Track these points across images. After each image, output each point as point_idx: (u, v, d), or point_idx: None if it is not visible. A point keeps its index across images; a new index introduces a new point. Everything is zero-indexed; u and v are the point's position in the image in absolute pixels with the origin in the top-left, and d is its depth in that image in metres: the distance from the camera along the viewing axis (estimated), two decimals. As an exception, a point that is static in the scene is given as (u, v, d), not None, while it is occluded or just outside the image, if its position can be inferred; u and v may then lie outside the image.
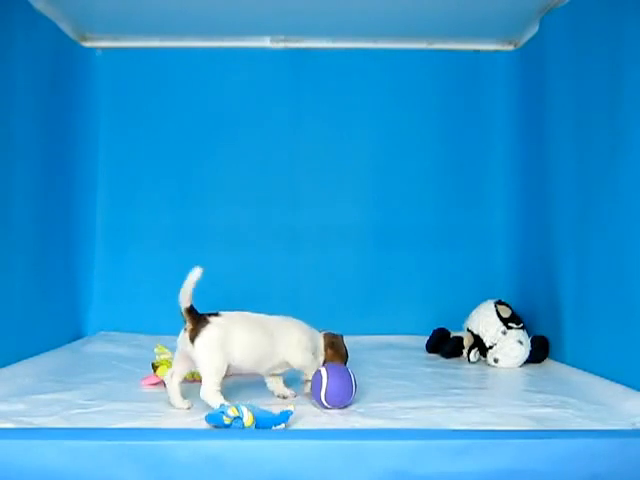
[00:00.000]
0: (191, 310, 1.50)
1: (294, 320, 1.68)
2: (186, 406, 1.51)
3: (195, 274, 1.48)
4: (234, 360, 1.52)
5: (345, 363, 1.70)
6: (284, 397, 1.64)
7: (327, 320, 2.49)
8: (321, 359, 1.70)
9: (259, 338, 1.57)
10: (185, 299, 1.49)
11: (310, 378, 1.61)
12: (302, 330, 1.66)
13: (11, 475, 1.15)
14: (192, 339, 1.47)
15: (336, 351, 1.71)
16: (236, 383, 1.83)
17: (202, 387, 1.46)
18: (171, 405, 1.53)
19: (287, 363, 1.63)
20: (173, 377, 1.52)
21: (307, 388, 1.64)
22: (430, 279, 2.59)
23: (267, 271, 2.58)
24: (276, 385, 1.66)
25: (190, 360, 1.50)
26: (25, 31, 2.01)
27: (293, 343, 1.62)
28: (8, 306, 1.90)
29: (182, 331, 1.51)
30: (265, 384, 1.68)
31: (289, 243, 2.60)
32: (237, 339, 1.52)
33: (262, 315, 1.63)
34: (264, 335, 1.58)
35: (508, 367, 2.06)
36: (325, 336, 1.72)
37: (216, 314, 1.53)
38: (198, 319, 1.50)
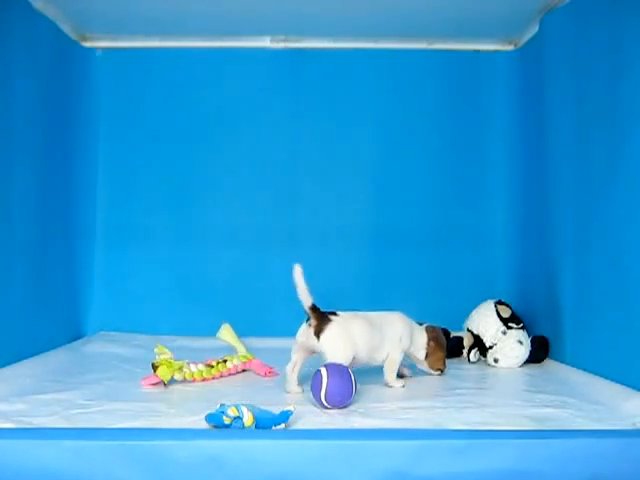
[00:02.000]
0: (315, 308, 1.67)
1: (399, 315, 1.84)
2: (300, 390, 1.68)
3: (298, 273, 1.64)
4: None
5: (445, 355, 1.90)
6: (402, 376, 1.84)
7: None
8: (423, 352, 1.88)
9: (371, 334, 1.73)
10: (305, 298, 1.65)
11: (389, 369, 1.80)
12: (404, 325, 1.82)
13: (11, 475, 1.15)
14: (317, 334, 1.65)
15: (437, 343, 1.89)
16: (237, 383, 1.83)
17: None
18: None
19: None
20: (295, 367, 1.69)
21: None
22: (430, 279, 2.59)
23: (267, 271, 2.58)
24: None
25: (308, 351, 1.69)
26: (24, 31, 2.01)
27: (396, 339, 1.78)
28: (8, 306, 1.89)
29: (305, 326, 1.68)
30: (263, 386, 1.69)
31: (289, 243, 2.60)
32: (354, 336, 1.69)
33: (369, 313, 1.78)
34: (375, 331, 1.74)
35: (508, 367, 2.06)
36: (427, 329, 1.89)
37: (335, 313, 1.69)
38: (322, 317, 1.66)
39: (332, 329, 1.65)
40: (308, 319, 1.67)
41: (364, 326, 1.72)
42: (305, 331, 1.67)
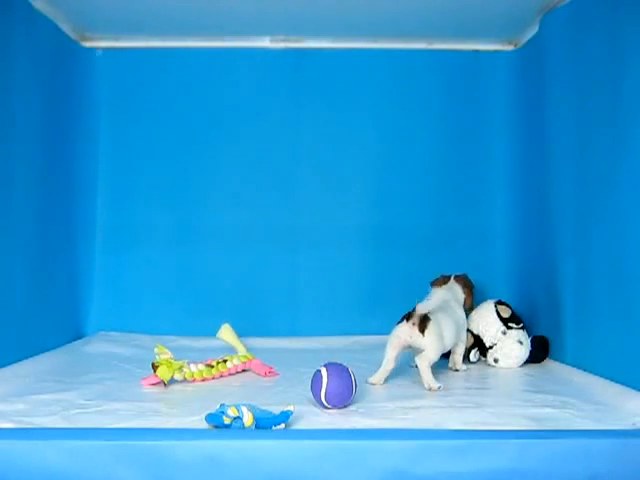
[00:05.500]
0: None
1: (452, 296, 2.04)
2: (382, 382, 1.80)
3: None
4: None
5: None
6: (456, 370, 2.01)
7: (327, 320, 2.52)
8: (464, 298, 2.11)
9: (454, 323, 1.91)
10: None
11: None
12: (461, 305, 2.05)
13: (11, 475, 1.15)
14: (422, 331, 1.76)
15: (467, 284, 2.13)
16: (237, 383, 1.83)
17: (423, 357, 1.75)
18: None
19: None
20: (390, 362, 1.80)
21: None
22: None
23: (267, 271, 2.58)
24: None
25: (405, 348, 1.79)
26: (25, 31, 2.01)
27: (462, 323, 2.00)
28: (8, 306, 1.89)
29: (403, 323, 1.78)
30: (263, 386, 1.68)
31: (289, 243, 2.60)
32: (444, 329, 1.84)
33: (435, 301, 1.89)
34: (453, 319, 1.92)
35: (508, 367, 2.06)
36: (457, 280, 2.12)
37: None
38: (424, 315, 1.78)
39: (433, 327, 1.77)
40: (407, 317, 1.77)
41: (448, 318, 1.88)
42: (408, 329, 1.76)
